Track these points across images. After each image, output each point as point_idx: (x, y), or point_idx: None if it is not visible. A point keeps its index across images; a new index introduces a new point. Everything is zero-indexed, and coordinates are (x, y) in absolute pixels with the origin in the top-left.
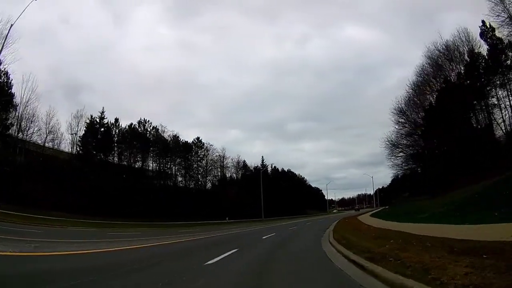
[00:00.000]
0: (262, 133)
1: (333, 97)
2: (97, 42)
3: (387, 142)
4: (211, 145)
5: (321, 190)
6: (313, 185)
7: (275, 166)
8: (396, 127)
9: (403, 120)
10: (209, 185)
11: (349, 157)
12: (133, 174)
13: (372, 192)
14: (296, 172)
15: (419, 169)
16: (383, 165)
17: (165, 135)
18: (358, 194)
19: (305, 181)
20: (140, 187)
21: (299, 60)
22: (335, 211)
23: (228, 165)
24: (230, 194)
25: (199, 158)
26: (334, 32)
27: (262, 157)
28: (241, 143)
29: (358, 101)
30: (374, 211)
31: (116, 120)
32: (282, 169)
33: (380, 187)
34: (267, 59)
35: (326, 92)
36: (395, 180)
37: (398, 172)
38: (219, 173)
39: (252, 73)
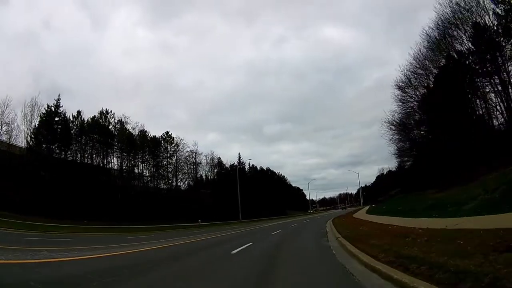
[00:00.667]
0: (240, 135)
1: (311, 98)
2: (77, 45)
3: (387, 124)
4: (181, 139)
5: (302, 190)
6: (293, 185)
7: (253, 165)
8: (400, 104)
9: (406, 96)
10: (181, 184)
11: (328, 158)
12: (93, 172)
13: (353, 192)
14: (276, 171)
15: (408, 164)
16: (362, 165)
17: (129, 127)
18: (339, 193)
19: (285, 180)
20: (101, 186)
21: (276, 62)
22: (311, 211)
23: (202, 162)
24: (204, 194)
25: (168, 155)
26: (312, 33)
27: (239, 153)
28: (219, 146)
29: (337, 102)
30: (366, 209)
31: (79, 112)
32: (261, 168)
33: (363, 185)
34: (244, 61)
35: (304, 93)
36: (380, 178)
37: (402, 160)
38: (192, 171)
39: (230, 75)
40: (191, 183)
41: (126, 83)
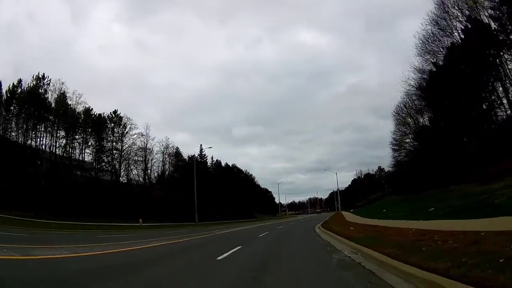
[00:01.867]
0: (209, 136)
1: (282, 102)
2: (54, 39)
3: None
4: (129, 118)
5: (271, 192)
6: (261, 186)
7: (217, 160)
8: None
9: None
10: (130, 176)
11: (296, 163)
12: (17, 151)
13: (323, 197)
14: (243, 169)
15: (403, 159)
16: (331, 171)
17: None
18: (309, 198)
19: (253, 179)
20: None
21: (250, 63)
22: (278, 215)
23: (155, 151)
24: (157, 190)
25: (115, 139)
26: (287, 35)
27: (201, 145)
28: (187, 146)
29: (308, 107)
30: (352, 214)
31: (19, 81)
32: (226, 164)
33: (335, 190)
34: (218, 61)
35: (276, 96)
36: (356, 182)
37: (400, 153)
38: (142, 160)
39: (203, 75)
40: (140, 174)
41: (101, 79)
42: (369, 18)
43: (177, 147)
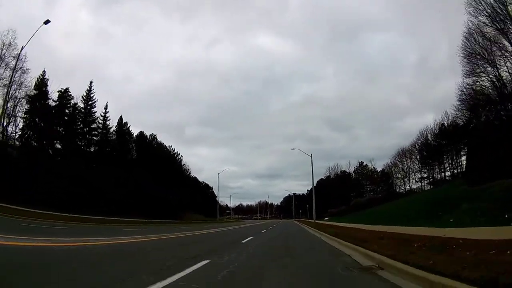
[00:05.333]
0: (160, 133)
1: (235, 105)
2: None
3: None
4: None
5: (212, 189)
6: (199, 179)
7: (121, 117)
8: None
9: None
10: None
11: (247, 168)
12: None
13: (277, 202)
14: (166, 144)
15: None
16: (281, 178)
17: None
18: (259, 201)
19: (181, 162)
20: None
21: (207, 64)
22: (219, 218)
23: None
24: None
25: None
26: (247, 39)
27: (91, 81)
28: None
29: (261, 112)
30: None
31: None
32: (141, 132)
33: (290, 194)
34: (175, 59)
35: (229, 99)
36: (325, 182)
37: None
38: None
39: (158, 71)
40: None
41: (60, 65)
42: (332, 29)
43: (43, 71)
